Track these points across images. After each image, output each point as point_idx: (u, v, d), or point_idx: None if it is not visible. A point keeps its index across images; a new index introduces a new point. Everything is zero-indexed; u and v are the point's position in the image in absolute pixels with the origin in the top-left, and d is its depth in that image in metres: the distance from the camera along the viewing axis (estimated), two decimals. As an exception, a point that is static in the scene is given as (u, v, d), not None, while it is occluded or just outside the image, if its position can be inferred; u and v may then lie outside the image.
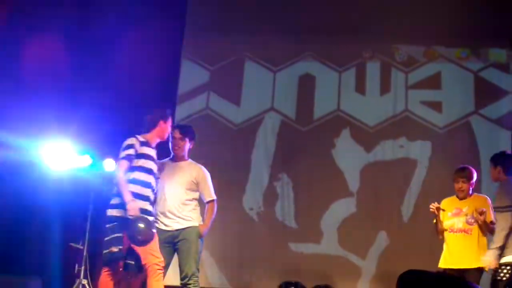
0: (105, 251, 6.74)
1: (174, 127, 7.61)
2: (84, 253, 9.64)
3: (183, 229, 7.28)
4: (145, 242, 6.68)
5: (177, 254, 7.32)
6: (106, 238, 6.74)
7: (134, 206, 6.64)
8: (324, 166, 11.04)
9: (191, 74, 11.64)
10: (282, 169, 11.13)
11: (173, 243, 7.27)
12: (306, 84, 11.45)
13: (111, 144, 10.23)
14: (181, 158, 7.48)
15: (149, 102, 10.93)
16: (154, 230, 6.75)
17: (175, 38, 11.54)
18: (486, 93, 11.07)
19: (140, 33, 10.90)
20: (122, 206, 6.73)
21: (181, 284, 7.26)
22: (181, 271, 7.27)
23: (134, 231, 6.59)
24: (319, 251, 10.73)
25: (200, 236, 7.45)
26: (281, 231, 10.87)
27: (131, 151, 6.93)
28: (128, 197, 6.71)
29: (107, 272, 6.96)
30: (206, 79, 11.60)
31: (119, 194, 6.81)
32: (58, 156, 9.69)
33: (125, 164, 6.87)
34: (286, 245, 10.76)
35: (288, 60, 11.56)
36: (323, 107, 11.35)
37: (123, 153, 6.96)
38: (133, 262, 6.87)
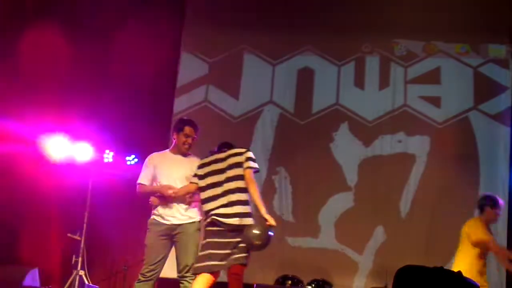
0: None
1: (192, 124, 7.50)
2: (82, 244, 9.65)
3: (181, 224, 7.25)
4: (262, 246, 6.70)
5: (175, 246, 7.29)
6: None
7: (271, 217, 6.76)
8: (322, 160, 11.04)
9: (190, 67, 11.63)
10: (280, 162, 11.13)
11: (170, 236, 7.24)
12: (305, 78, 11.44)
13: (109, 135, 10.27)
14: (184, 153, 7.44)
15: (148, 94, 10.96)
16: (271, 233, 6.76)
17: (175, 31, 11.54)
18: (485, 89, 11.07)
19: (139, 25, 10.90)
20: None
21: (178, 276, 7.24)
22: (178, 264, 7.23)
23: (250, 237, 6.59)
24: (317, 246, 10.73)
25: (198, 229, 7.42)
26: (278, 225, 10.70)
27: None
28: (264, 208, 6.76)
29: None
30: (205, 72, 11.60)
31: (247, 202, 6.80)
32: (57, 147, 9.70)
33: None
34: (283, 239, 10.75)
35: (287, 54, 11.55)
36: (322, 101, 11.35)
37: (255, 165, 6.89)
38: None
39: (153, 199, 7.29)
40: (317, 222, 10.83)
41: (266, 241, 6.64)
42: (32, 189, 10.15)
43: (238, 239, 6.63)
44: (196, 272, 6.73)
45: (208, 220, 6.75)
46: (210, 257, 6.65)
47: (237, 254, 6.62)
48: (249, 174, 6.80)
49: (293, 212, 10.92)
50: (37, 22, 10.56)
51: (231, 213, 6.67)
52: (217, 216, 6.68)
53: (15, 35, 10.51)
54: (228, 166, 6.86)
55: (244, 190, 6.78)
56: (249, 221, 6.68)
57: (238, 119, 11.36)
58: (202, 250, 6.77)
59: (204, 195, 6.87)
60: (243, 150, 6.97)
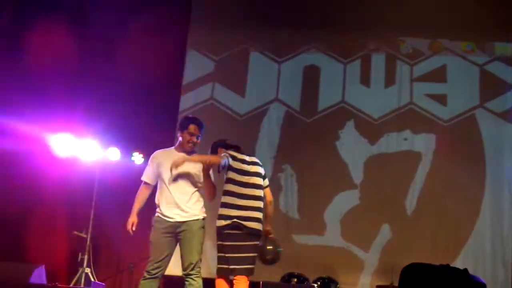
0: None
1: (197, 122, 7.48)
2: (88, 242, 9.66)
3: (185, 221, 7.24)
4: (273, 261, 7.19)
5: (180, 244, 7.27)
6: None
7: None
8: (328, 158, 11.04)
9: (196, 64, 11.65)
10: (286, 160, 11.13)
11: (175, 234, 7.22)
12: (311, 76, 11.44)
13: (115, 133, 10.28)
14: (188, 152, 7.42)
15: (154, 91, 10.97)
16: (280, 249, 7.20)
17: (181, 28, 11.54)
18: (491, 87, 11.06)
19: (146, 23, 10.91)
20: None
21: (183, 274, 7.23)
22: (183, 261, 7.21)
23: (264, 251, 7.08)
24: (322, 243, 10.73)
25: (202, 227, 7.40)
26: (284, 223, 10.85)
27: None
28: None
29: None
30: (211, 70, 11.61)
31: (261, 209, 7.07)
32: (63, 145, 9.71)
33: None
34: (289, 237, 10.74)
35: (293, 51, 11.55)
36: (328, 99, 11.35)
37: None
38: None
39: (130, 226, 7.31)
40: (323, 219, 10.82)
41: (277, 256, 7.16)
42: (38, 186, 10.17)
43: (253, 243, 6.85)
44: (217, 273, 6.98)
45: (228, 222, 6.82)
46: (227, 260, 6.80)
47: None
48: (270, 193, 7.36)
49: (299, 209, 10.91)
50: (44, 19, 10.58)
51: (254, 217, 6.87)
52: (240, 219, 6.81)
53: (23, 34, 10.54)
54: (254, 173, 7.08)
55: (262, 198, 7.11)
56: (261, 227, 6.96)
57: (244, 117, 11.37)
58: (220, 252, 6.91)
59: (230, 187, 6.95)
60: (260, 162, 7.28)
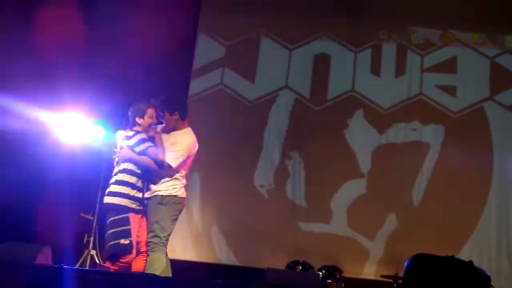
0: None
1: None
2: (94, 224, 9.68)
3: None
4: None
5: None
6: None
7: None
8: (336, 146, 11.03)
9: (206, 49, 11.66)
10: (294, 147, 11.13)
11: None
12: (322, 63, 11.43)
13: (124, 116, 10.28)
14: None
15: (164, 75, 10.95)
16: None
17: (192, 13, 11.53)
18: (501, 80, 11.03)
19: (156, 6, 10.89)
20: None
21: None
22: None
23: None
24: (328, 231, 10.73)
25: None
26: (291, 210, 10.88)
27: None
28: None
29: None
30: (222, 55, 11.61)
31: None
32: (71, 127, 9.72)
33: None
34: (295, 224, 10.78)
35: (304, 39, 11.55)
36: (338, 87, 11.34)
37: None
38: None
39: None
40: (330, 208, 10.82)
41: None
42: (45, 168, 10.19)
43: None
44: None
45: None
46: None
47: None
48: None
49: (306, 197, 10.92)
50: (53, 1, 10.58)
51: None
52: None
53: (31, 14, 10.53)
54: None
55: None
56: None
57: (253, 103, 11.37)
58: None
59: None
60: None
